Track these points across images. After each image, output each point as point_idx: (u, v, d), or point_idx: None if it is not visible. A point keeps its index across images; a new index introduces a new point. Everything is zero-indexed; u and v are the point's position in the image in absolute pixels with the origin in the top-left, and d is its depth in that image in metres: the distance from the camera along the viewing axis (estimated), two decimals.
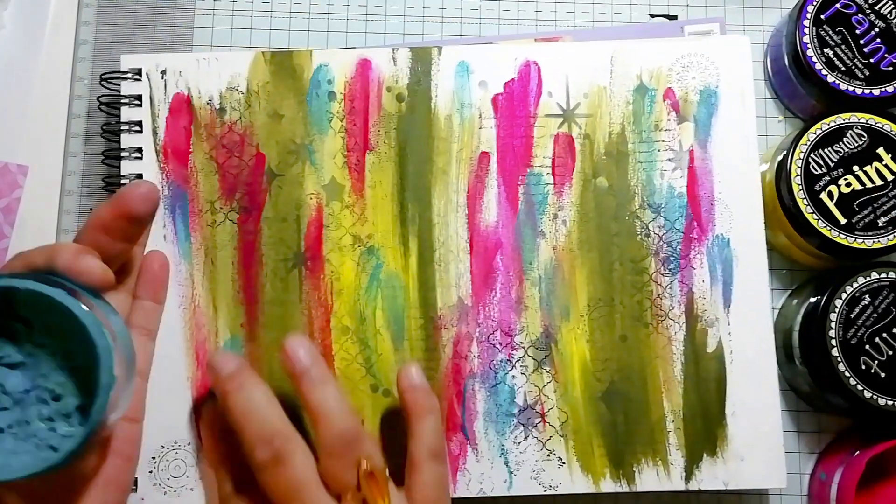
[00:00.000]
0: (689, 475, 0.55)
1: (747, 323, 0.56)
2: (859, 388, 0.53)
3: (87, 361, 0.42)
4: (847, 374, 0.53)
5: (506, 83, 0.57)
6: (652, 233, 0.56)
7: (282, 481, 0.46)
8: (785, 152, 0.57)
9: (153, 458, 0.54)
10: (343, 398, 0.48)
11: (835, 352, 0.53)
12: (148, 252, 0.54)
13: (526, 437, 0.55)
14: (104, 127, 0.58)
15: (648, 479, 0.55)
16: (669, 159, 0.57)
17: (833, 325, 0.54)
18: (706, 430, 0.55)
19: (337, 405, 0.48)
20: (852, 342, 0.54)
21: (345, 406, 0.48)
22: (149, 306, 0.53)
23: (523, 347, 0.55)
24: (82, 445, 0.42)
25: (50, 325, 0.43)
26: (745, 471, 0.54)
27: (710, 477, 0.54)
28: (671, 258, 0.56)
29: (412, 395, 0.51)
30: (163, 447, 0.54)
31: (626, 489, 0.55)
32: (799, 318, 0.56)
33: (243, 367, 0.50)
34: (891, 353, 0.53)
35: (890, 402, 0.53)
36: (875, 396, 0.53)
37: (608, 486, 0.55)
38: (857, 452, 0.54)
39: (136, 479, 0.54)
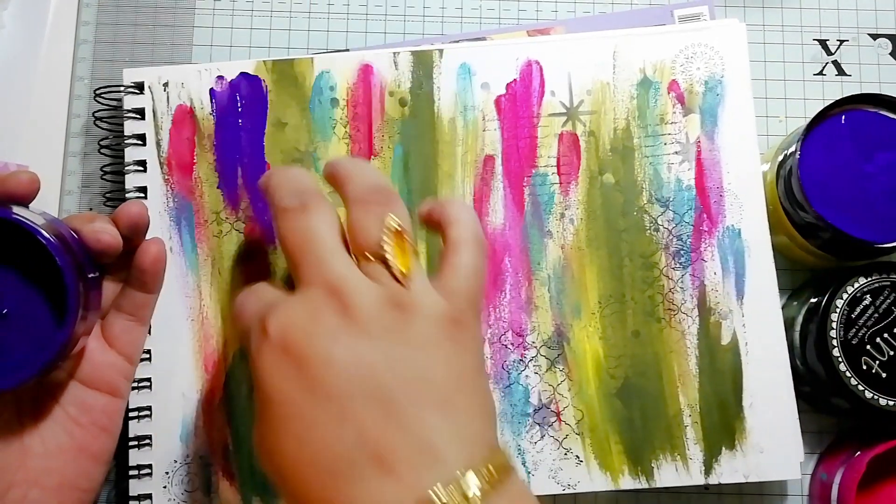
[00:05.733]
0: (708, 469, 0.54)
1: (761, 313, 0.55)
2: (860, 388, 0.53)
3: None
4: (848, 374, 0.53)
5: (508, 84, 0.57)
6: (661, 227, 0.56)
7: (300, 228, 0.43)
8: (786, 152, 0.56)
9: (166, 472, 0.54)
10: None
11: (836, 352, 0.53)
12: (144, 242, 0.50)
13: (542, 437, 0.55)
14: (101, 142, 0.58)
15: (667, 474, 0.54)
16: (676, 152, 0.57)
17: (834, 325, 0.54)
18: (724, 424, 0.54)
19: (369, 167, 0.46)
20: (853, 342, 0.54)
21: (378, 171, 0.47)
22: (138, 296, 0.50)
23: (535, 347, 0.55)
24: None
25: None
26: (764, 463, 0.54)
27: (730, 470, 0.54)
28: (682, 252, 0.56)
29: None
30: (175, 461, 0.54)
31: (645, 485, 0.54)
32: (800, 318, 0.56)
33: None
34: (892, 353, 0.54)
35: (891, 403, 0.53)
36: (876, 397, 0.53)
37: (627, 482, 0.54)
38: (859, 453, 0.54)
39: (151, 494, 0.54)
